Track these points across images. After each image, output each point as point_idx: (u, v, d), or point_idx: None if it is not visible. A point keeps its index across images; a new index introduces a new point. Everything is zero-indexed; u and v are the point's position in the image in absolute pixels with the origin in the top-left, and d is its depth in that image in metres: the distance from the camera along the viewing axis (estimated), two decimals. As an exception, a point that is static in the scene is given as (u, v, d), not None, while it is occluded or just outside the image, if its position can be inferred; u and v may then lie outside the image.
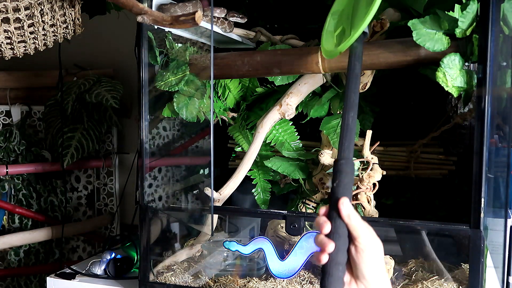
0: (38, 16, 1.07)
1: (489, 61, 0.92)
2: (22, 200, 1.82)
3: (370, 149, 1.18)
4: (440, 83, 0.98)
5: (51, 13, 1.10)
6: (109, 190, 1.95)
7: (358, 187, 1.14)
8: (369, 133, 1.18)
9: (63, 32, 1.16)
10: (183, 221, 1.38)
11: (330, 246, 0.68)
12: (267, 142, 1.32)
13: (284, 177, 1.36)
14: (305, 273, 1.19)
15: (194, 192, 1.58)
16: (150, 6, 1.12)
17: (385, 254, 1.12)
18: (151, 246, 1.23)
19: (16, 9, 1.04)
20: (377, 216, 1.17)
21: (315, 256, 0.70)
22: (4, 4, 1.02)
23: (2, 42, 1.07)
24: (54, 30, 1.13)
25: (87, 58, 1.94)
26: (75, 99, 1.74)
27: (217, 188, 1.26)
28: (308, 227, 1.20)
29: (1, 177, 1.77)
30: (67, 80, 1.84)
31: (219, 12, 1.25)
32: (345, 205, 0.69)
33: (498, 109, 1.07)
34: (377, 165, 1.16)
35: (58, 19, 1.12)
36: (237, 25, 1.30)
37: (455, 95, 0.99)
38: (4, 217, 1.82)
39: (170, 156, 1.69)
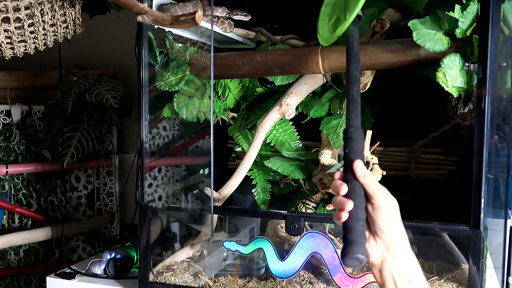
0: (38, 16, 1.07)
1: (489, 61, 0.92)
2: (22, 200, 1.82)
3: (370, 149, 1.18)
4: (440, 83, 0.98)
5: (51, 12, 1.10)
6: (109, 190, 1.95)
7: (358, 187, 1.14)
8: (369, 133, 1.18)
9: (63, 32, 1.16)
10: (183, 221, 1.38)
11: (349, 204, 0.71)
12: (267, 142, 1.32)
13: (284, 177, 1.36)
14: (305, 273, 1.19)
15: (194, 192, 1.58)
16: (150, 6, 1.12)
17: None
18: (151, 246, 1.23)
19: (16, 9, 1.04)
20: (377, 216, 1.17)
21: (335, 215, 0.73)
22: (4, 4, 1.02)
23: (2, 42, 1.07)
24: (54, 29, 1.13)
25: (87, 58, 1.94)
26: (75, 99, 1.74)
27: (217, 188, 1.26)
28: (308, 227, 1.20)
29: (1, 176, 1.77)
30: (67, 79, 1.84)
31: (220, 12, 1.25)
32: (359, 166, 0.74)
33: (498, 110, 1.07)
34: (377, 165, 1.16)
35: (58, 18, 1.12)
36: (238, 24, 1.30)
37: (455, 95, 0.99)
38: (4, 216, 1.82)
39: (170, 156, 1.70)
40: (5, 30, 1.05)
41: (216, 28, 1.24)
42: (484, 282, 0.99)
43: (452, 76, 0.97)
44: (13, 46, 1.09)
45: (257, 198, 1.37)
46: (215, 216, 1.30)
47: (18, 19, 1.05)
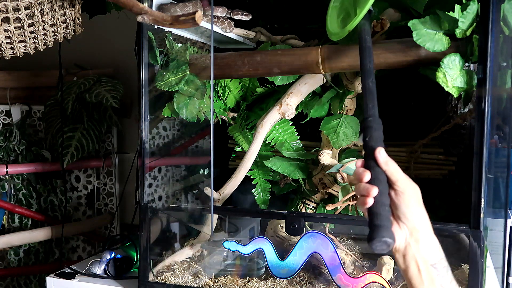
0: (38, 16, 1.07)
1: (489, 61, 0.92)
2: (22, 200, 1.82)
3: (370, 149, 1.18)
4: (440, 83, 0.98)
5: (51, 12, 1.10)
6: (109, 190, 1.95)
7: (358, 187, 1.14)
8: (369, 133, 1.18)
9: (63, 32, 1.16)
10: (183, 221, 1.38)
11: (374, 190, 0.72)
12: (267, 142, 1.32)
13: (284, 177, 1.36)
14: (305, 273, 1.19)
15: (194, 192, 1.58)
16: (150, 6, 1.12)
17: (385, 254, 1.13)
18: (150, 246, 1.23)
19: (16, 9, 1.04)
20: (377, 216, 1.17)
21: (360, 200, 0.74)
22: (4, 4, 1.02)
23: (2, 42, 1.07)
24: (54, 29, 1.13)
25: (87, 58, 1.94)
26: (75, 99, 1.74)
27: (217, 188, 1.26)
28: (308, 227, 1.20)
29: (1, 176, 1.78)
30: (67, 79, 1.84)
31: (220, 12, 1.25)
32: (381, 153, 0.75)
33: (498, 110, 1.07)
34: (377, 165, 1.16)
35: (58, 18, 1.12)
36: (238, 24, 1.30)
37: (455, 95, 0.99)
38: (4, 216, 1.82)
39: (170, 156, 1.70)
40: (5, 30, 1.05)
41: (216, 28, 1.24)
42: (484, 282, 0.99)
43: (452, 76, 0.97)
44: (13, 46, 1.09)
45: (257, 198, 1.37)
46: (215, 216, 1.30)
47: (18, 19, 1.05)
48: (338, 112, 1.26)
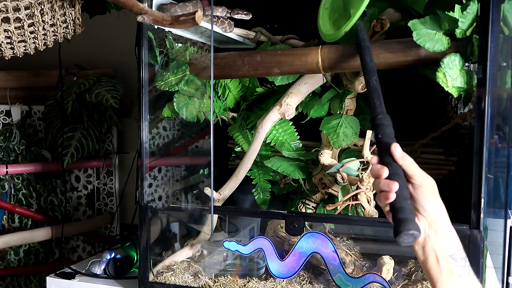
0: (38, 16, 1.07)
1: (489, 61, 0.92)
2: (22, 200, 1.82)
3: (370, 149, 1.18)
4: (440, 83, 0.98)
5: (51, 12, 1.10)
6: (109, 190, 1.95)
7: (358, 188, 1.14)
8: (369, 133, 1.18)
9: (63, 32, 1.16)
10: (183, 221, 1.38)
11: (396, 185, 0.73)
12: (267, 142, 1.32)
13: (284, 177, 1.36)
14: (305, 273, 1.19)
15: (194, 192, 1.58)
16: (150, 6, 1.12)
17: (385, 254, 1.13)
18: (150, 246, 1.23)
19: (16, 9, 1.04)
20: (377, 216, 1.17)
21: (382, 196, 0.75)
22: (4, 4, 1.02)
23: (2, 42, 1.07)
24: (54, 29, 1.13)
25: (87, 58, 1.94)
26: (75, 99, 1.74)
27: (217, 188, 1.26)
28: (308, 227, 1.20)
29: (1, 176, 1.77)
30: (67, 79, 1.84)
31: (220, 11, 1.25)
32: (397, 148, 0.77)
33: (498, 110, 1.07)
34: (377, 165, 1.16)
35: (58, 18, 1.12)
36: (238, 24, 1.30)
37: (455, 95, 0.99)
38: (4, 216, 1.82)
39: (170, 156, 1.69)
40: (5, 30, 1.05)
41: (216, 28, 1.24)
42: (484, 282, 0.99)
43: (452, 76, 0.97)
44: (13, 46, 1.09)
45: (257, 198, 1.37)
46: (215, 216, 1.30)
47: (18, 19, 1.05)
48: (338, 112, 1.26)
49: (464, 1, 0.97)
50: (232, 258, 1.26)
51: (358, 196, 1.15)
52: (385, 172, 0.76)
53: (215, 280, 1.19)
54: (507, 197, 1.19)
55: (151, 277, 1.22)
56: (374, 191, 1.16)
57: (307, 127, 1.33)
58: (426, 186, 0.76)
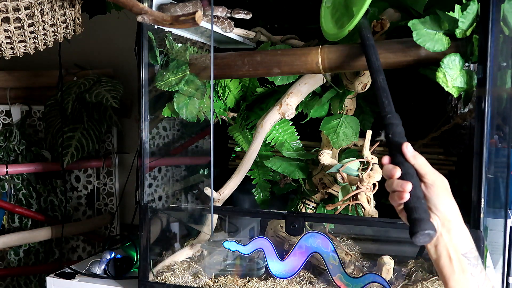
0: (38, 16, 1.07)
1: (489, 61, 0.92)
2: (22, 200, 1.82)
3: (370, 149, 1.18)
4: (440, 83, 0.98)
5: (51, 12, 1.10)
6: (109, 190, 1.95)
7: (358, 187, 1.14)
8: (369, 133, 1.18)
9: (63, 32, 1.16)
10: (183, 221, 1.38)
11: (409, 185, 0.73)
12: (267, 142, 1.32)
13: (284, 177, 1.36)
14: (305, 273, 1.19)
15: (194, 192, 1.58)
16: (150, 6, 1.12)
17: (385, 254, 1.13)
18: (150, 246, 1.23)
19: (16, 9, 1.04)
20: (377, 216, 1.17)
21: (396, 196, 0.74)
22: (4, 4, 1.02)
23: (2, 42, 1.07)
24: (54, 29, 1.13)
25: (87, 58, 1.94)
26: (75, 99, 1.74)
27: (217, 188, 1.26)
28: (308, 227, 1.20)
29: (1, 176, 1.77)
30: (67, 79, 1.84)
31: (220, 11, 1.25)
32: (408, 148, 0.76)
33: (498, 110, 1.07)
34: (377, 165, 1.16)
35: (58, 18, 1.12)
36: (238, 24, 1.30)
37: (455, 95, 0.99)
38: (4, 216, 1.82)
39: (170, 156, 1.69)
40: (5, 30, 1.05)
41: (216, 28, 1.24)
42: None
43: (452, 76, 0.97)
44: (13, 46, 1.09)
45: (257, 198, 1.37)
46: (215, 216, 1.30)
47: (18, 19, 1.05)
48: (338, 112, 1.26)
49: (464, 1, 0.97)
50: (232, 258, 1.26)
51: (358, 196, 1.15)
52: (398, 172, 0.75)
53: (215, 280, 1.19)
54: (507, 197, 1.19)
55: (151, 277, 1.22)
56: (374, 191, 1.16)
57: (307, 127, 1.33)
58: (439, 185, 0.76)
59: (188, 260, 1.30)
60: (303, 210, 1.31)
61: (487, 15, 0.91)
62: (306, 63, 1.12)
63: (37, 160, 1.84)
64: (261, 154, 1.35)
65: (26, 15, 1.05)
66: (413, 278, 1.15)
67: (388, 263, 1.11)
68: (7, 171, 1.72)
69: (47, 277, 1.32)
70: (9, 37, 1.07)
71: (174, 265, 1.27)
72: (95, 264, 1.34)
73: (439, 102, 1.36)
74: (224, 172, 1.39)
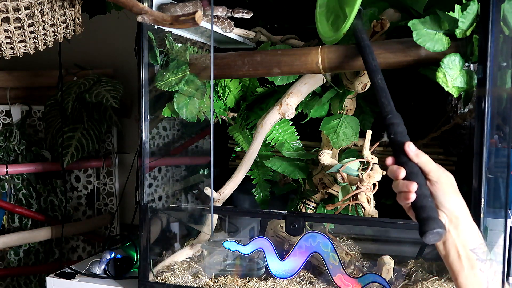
0: (38, 16, 1.07)
1: (489, 61, 0.92)
2: (22, 200, 1.82)
3: (370, 149, 1.18)
4: (440, 83, 0.98)
5: (51, 12, 1.10)
6: (109, 190, 1.95)
7: (358, 187, 1.14)
8: (369, 133, 1.18)
9: (63, 32, 1.16)
10: (183, 221, 1.38)
11: (414, 186, 0.73)
12: (267, 142, 1.32)
13: (284, 177, 1.36)
14: (305, 273, 1.19)
15: (194, 192, 1.58)
16: (150, 6, 1.12)
17: (385, 254, 1.13)
18: (150, 246, 1.23)
19: (16, 9, 1.04)
20: (377, 216, 1.17)
21: (402, 196, 0.75)
22: (4, 4, 1.02)
23: (2, 42, 1.07)
24: (54, 29, 1.13)
25: (87, 58, 1.94)
26: (75, 99, 1.74)
27: (217, 188, 1.26)
28: (308, 227, 1.20)
29: (1, 176, 1.77)
30: (67, 79, 1.83)
31: (221, 11, 1.25)
32: (411, 147, 0.76)
33: (498, 110, 1.07)
34: (377, 165, 1.16)
35: (58, 18, 1.12)
36: (238, 24, 1.30)
37: (455, 95, 0.99)
38: (4, 216, 1.82)
39: (170, 156, 1.70)
40: (5, 30, 1.05)
41: (216, 28, 1.24)
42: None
43: (452, 76, 0.97)
44: (13, 46, 1.09)
45: (257, 198, 1.37)
46: (215, 216, 1.30)
47: (18, 19, 1.05)
48: (338, 112, 1.26)
49: (464, 1, 0.97)
50: (232, 258, 1.26)
51: (358, 196, 1.15)
52: (402, 172, 0.75)
53: (215, 280, 1.19)
54: (507, 197, 1.19)
55: (151, 277, 1.22)
56: (374, 191, 1.16)
57: (307, 127, 1.33)
58: (444, 182, 0.75)
59: (188, 260, 1.30)
60: (303, 210, 1.31)
61: (487, 15, 0.91)
62: (306, 63, 1.12)
63: (37, 160, 1.84)
64: (261, 154, 1.35)
65: (26, 15, 1.05)
66: (413, 278, 1.15)
67: (388, 263, 1.11)
68: (7, 171, 1.72)
69: (47, 277, 1.32)
70: (9, 37, 1.07)
71: (174, 265, 1.27)
72: (95, 264, 1.34)
73: (439, 102, 1.36)
74: (224, 172, 1.39)
